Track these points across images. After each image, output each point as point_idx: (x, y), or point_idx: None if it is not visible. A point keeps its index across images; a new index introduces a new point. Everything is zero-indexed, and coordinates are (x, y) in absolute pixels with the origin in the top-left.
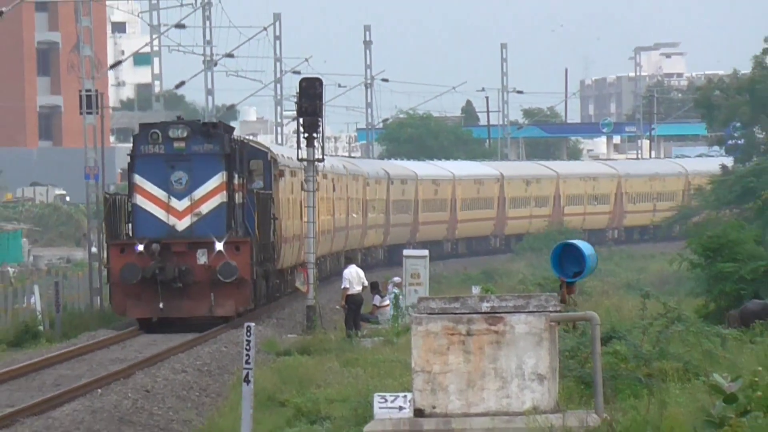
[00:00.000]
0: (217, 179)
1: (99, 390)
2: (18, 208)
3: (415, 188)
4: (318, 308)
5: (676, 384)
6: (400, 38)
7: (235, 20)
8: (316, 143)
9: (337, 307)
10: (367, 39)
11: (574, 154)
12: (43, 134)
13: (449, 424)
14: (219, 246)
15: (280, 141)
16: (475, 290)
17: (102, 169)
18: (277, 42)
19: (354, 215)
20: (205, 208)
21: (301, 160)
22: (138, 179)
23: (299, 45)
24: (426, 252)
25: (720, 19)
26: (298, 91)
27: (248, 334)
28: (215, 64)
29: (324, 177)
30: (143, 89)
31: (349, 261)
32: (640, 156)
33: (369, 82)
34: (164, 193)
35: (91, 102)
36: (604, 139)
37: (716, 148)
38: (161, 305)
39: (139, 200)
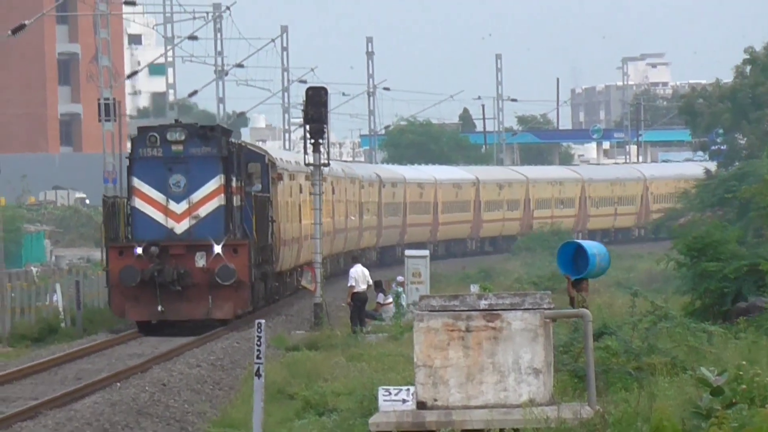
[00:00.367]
0: (215, 182)
1: (118, 383)
2: (41, 210)
3: (403, 191)
4: (325, 306)
5: (664, 378)
6: (401, 50)
7: (244, 32)
8: (321, 149)
9: (343, 304)
10: (370, 50)
11: (566, 160)
12: (64, 140)
13: (450, 415)
14: (217, 249)
15: (287, 147)
16: (474, 288)
17: (120, 173)
18: (285, 53)
19: (352, 218)
20: (203, 210)
21: (308, 164)
22: (136, 182)
23: (305, 56)
24: (426, 252)
25: (703, 32)
26: (304, 99)
27: (259, 330)
28: (226, 74)
29: (324, 180)
30: (158, 98)
31: (355, 260)
32: (628, 161)
33: (371, 90)
34: (162, 196)
35: (109, 110)
36: (594, 144)
37: (700, 153)
38: (160, 308)
39: (138, 203)
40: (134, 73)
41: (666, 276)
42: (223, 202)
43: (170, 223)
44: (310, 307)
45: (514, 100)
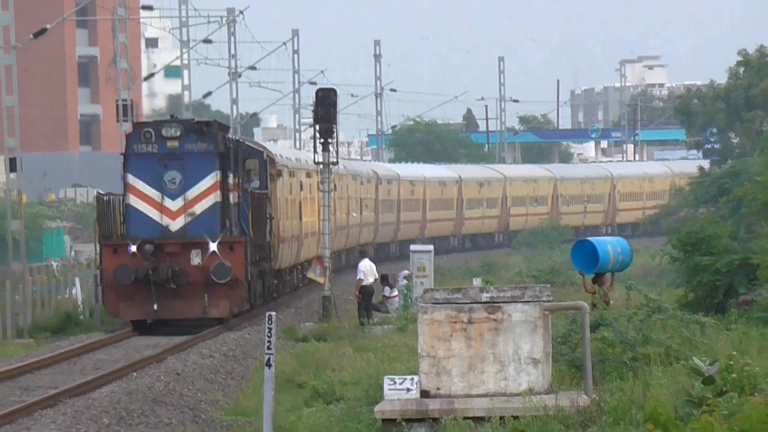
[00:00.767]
0: (211, 179)
1: (134, 373)
2: (61, 207)
3: (397, 188)
4: (333, 298)
5: (658, 367)
6: (407, 52)
7: (257, 36)
8: (331, 148)
9: (351, 298)
10: (377, 53)
11: (566, 158)
12: (83, 140)
13: (452, 404)
14: (213, 246)
15: (298, 146)
16: (476, 282)
17: None
18: (296, 56)
19: (354, 214)
20: (198, 208)
21: (317, 163)
22: (131, 179)
23: (316, 58)
24: (431, 247)
25: (698, 35)
26: (314, 100)
27: (269, 322)
28: (239, 76)
29: None
30: (174, 99)
31: (363, 254)
32: (625, 158)
33: (379, 92)
34: (157, 193)
35: (126, 111)
36: (592, 144)
37: (694, 151)
38: (155, 306)
39: (133, 200)
40: (151, 75)
41: (661, 270)
42: (219, 199)
43: (165, 220)
44: (319, 300)
45: (516, 100)
